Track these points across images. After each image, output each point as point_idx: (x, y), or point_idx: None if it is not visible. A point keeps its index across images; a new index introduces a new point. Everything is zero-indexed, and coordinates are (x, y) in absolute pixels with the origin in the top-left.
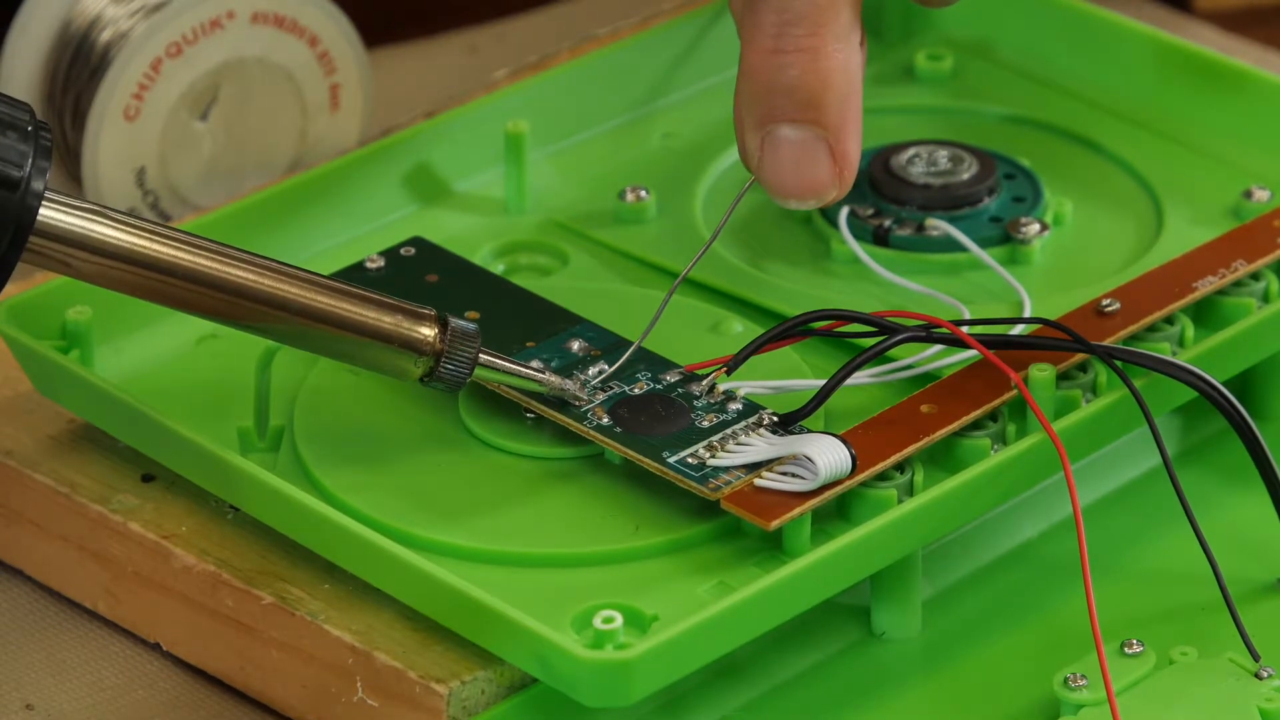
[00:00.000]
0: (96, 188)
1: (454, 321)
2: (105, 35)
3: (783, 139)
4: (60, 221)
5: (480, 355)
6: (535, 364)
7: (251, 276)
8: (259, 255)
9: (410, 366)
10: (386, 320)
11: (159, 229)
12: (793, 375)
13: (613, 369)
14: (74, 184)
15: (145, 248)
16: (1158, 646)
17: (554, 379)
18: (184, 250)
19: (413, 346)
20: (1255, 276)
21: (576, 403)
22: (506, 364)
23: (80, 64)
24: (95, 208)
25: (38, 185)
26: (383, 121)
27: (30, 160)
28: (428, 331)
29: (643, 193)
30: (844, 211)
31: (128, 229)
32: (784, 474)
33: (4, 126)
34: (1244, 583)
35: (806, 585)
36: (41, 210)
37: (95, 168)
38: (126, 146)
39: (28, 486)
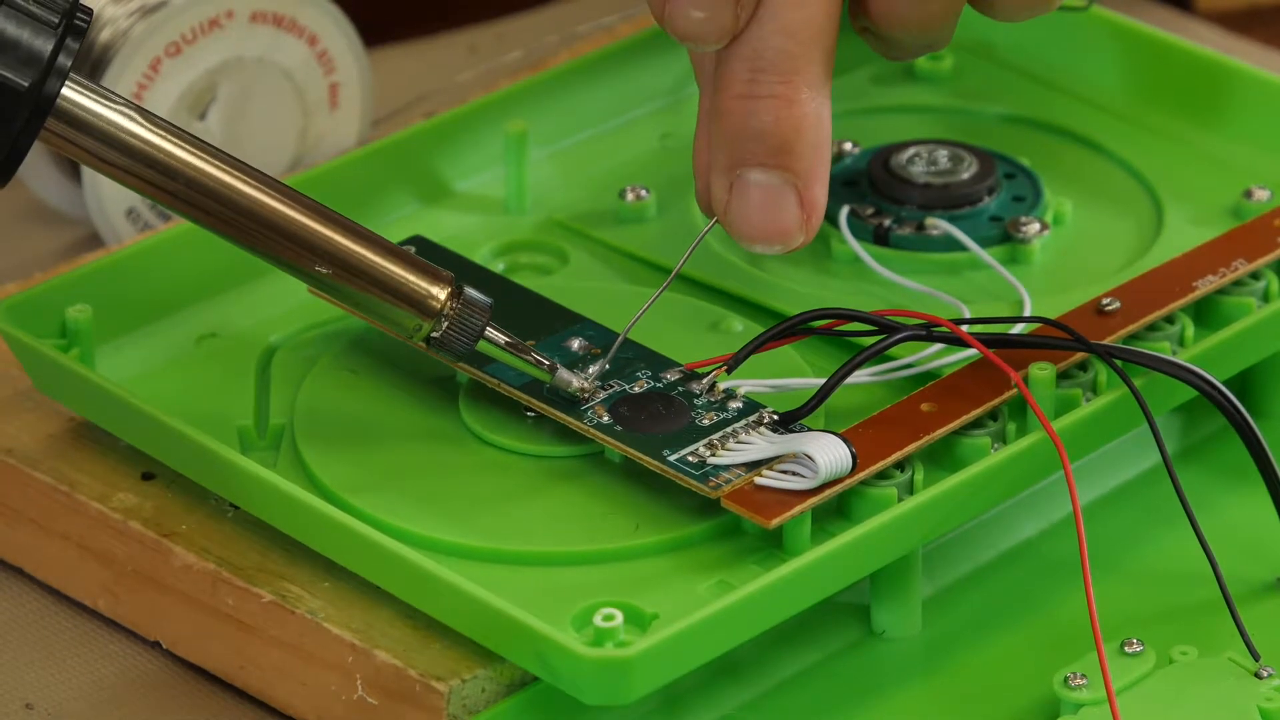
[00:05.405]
0: (96, 188)
1: (468, 291)
2: (104, 35)
3: (752, 183)
4: (85, 108)
5: (487, 330)
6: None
7: (279, 207)
8: (292, 189)
9: (419, 324)
10: (402, 273)
11: (179, 132)
12: (793, 374)
13: (604, 360)
14: (73, 183)
15: (162, 148)
16: (1158, 646)
17: (563, 372)
18: (203, 160)
19: (422, 306)
20: (1255, 276)
21: (582, 395)
22: (511, 341)
23: (79, 63)
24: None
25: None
26: (382, 122)
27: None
28: (440, 293)
29: (643, 192)
30: (844, 211)
31: (153, 129)
32: (784, 472)
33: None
34: (1244, 582)
35: (806, 583)
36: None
37: None
38: None
39: (28, 485)
